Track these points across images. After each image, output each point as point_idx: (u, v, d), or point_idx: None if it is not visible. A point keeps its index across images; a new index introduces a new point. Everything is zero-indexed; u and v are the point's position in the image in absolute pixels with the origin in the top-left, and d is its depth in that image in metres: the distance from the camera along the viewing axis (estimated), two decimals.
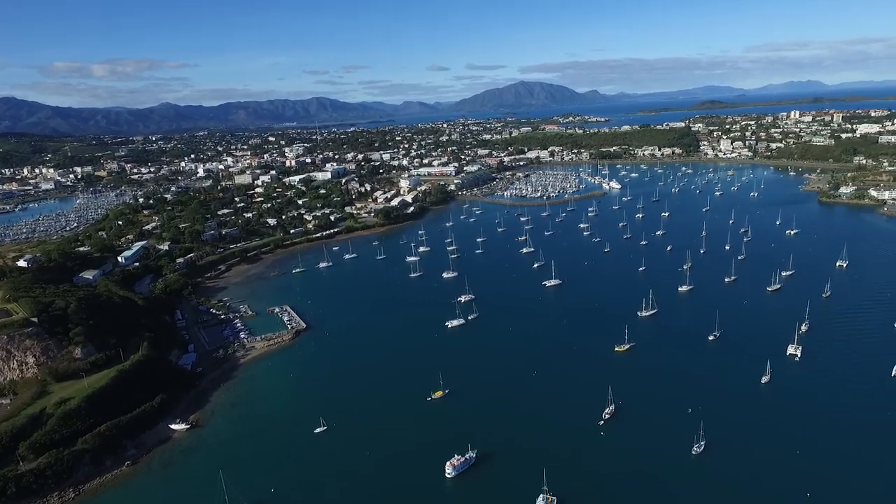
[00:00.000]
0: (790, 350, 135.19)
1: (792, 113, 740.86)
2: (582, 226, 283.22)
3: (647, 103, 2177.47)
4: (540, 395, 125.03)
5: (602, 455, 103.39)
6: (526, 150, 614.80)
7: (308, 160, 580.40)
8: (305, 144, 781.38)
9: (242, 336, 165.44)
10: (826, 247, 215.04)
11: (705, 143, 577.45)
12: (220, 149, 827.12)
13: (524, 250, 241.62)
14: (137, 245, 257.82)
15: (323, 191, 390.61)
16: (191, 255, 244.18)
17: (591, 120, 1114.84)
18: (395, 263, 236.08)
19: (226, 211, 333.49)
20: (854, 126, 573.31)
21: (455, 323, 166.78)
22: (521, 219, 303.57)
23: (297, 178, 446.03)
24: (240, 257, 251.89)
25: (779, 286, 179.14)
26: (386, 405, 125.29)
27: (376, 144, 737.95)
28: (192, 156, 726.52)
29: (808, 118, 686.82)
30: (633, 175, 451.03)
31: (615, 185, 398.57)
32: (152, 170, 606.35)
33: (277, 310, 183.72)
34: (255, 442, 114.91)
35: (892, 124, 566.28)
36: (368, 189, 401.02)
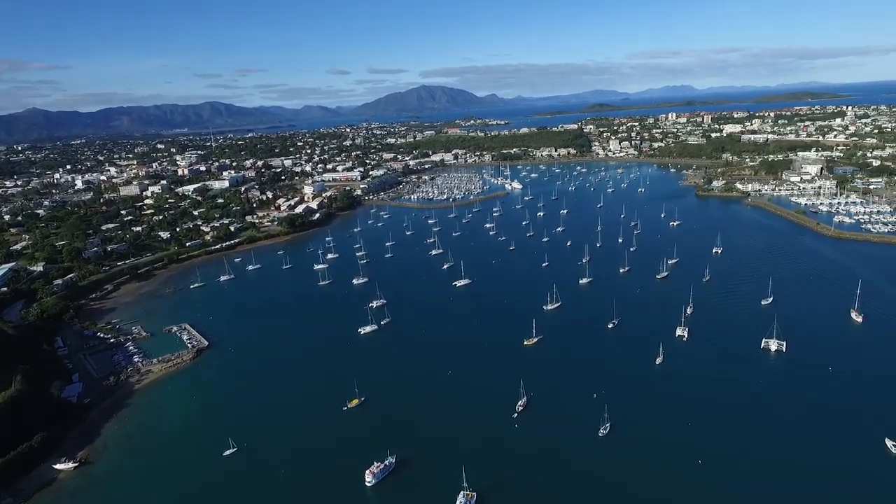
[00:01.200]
0: (679, 332, 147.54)
1: (669, 115, 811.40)
2: (488, 226, 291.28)
3: (543, 106, 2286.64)
4: (455, 393, 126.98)
5: (517, 446, 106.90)
6: (430, 153, 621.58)
7: (203, 168, 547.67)
8: (199, 152, 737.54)
9: (136, 360, 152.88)
10: (704, 236, 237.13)
11: (597, 143, 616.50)
12: (101, 158, 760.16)
13: (433, 252, 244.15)
14: (4, 267, 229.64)
15: (221, 200, 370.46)
16: (71, 275, 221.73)
17: (492, 123, 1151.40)
18: (303, 272, 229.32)
19: (111, 225, 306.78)
20: (721, 126, 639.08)
21: (368, 329, 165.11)
22: (429, 221, 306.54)
23: (191, 187, 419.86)
24: (129, 275, 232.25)
25: (666, 274, 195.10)
26: (300, 419, 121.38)
27: (277, 150, 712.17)
28: (69, 166, 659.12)
29: (683, 119, 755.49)
30: (533, 175, 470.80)
31: (517, 185, 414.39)
32: (19, 183, 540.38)
33: (175, 329, 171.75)
34: (157, 473, 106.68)
35: (751, 125, 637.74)
36: (270, 197, 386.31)
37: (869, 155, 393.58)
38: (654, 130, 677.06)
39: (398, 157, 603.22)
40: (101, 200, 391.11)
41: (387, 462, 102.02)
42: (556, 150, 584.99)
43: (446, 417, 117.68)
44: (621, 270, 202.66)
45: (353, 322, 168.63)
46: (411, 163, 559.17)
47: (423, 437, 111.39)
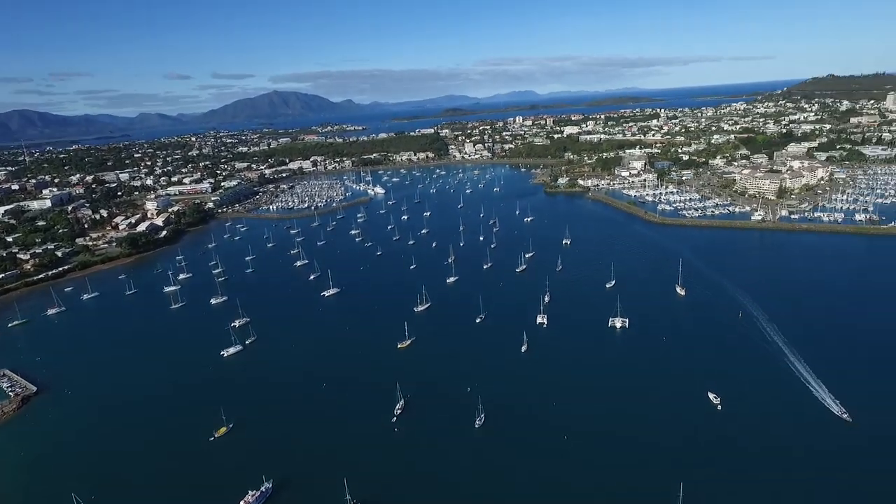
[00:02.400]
0: (539, 319, 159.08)
1: (517, 118, 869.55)
2: (353, 232, 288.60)
3: (399, 111, 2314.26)
4: (332, 406, 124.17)
5: (398, 450, 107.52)
6: (287, 161, 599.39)
7: (15, 187, 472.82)
8: (9, 168, 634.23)
9: None
10: (554, 229, 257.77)
11: (453, 146, 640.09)
12: None
13: (298, 263, 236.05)
14: None
15: (42, 222, 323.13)
16: None
17: (350, 129, 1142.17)
18: (151, 296, 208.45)
19: None
20: (561, 128, 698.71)
21: (231, 351, 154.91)
22: (291, 231, 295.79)
23: (0, 209, 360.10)
24: None
25: (524, 267, 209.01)
26: (160, 457, 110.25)
27: (110, 163, 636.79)
28: None
29: (529, 122, 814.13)
30: (395, 180, 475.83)
31: (379, 190, 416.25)
32: None
33: None
34: None
35: (587, 126, 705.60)
36: (106, 215, 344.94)
37: (680, 151, 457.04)
38: (505, 133, 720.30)
39: (252, 166, 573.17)
40: None
41: (263, 489, 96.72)
42: (415, 155, 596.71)
43: (324, 432, 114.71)
44: (484, 267, 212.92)
45: (215, 345, 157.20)
46: (267, 172, 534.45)
47: (300, 455, 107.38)
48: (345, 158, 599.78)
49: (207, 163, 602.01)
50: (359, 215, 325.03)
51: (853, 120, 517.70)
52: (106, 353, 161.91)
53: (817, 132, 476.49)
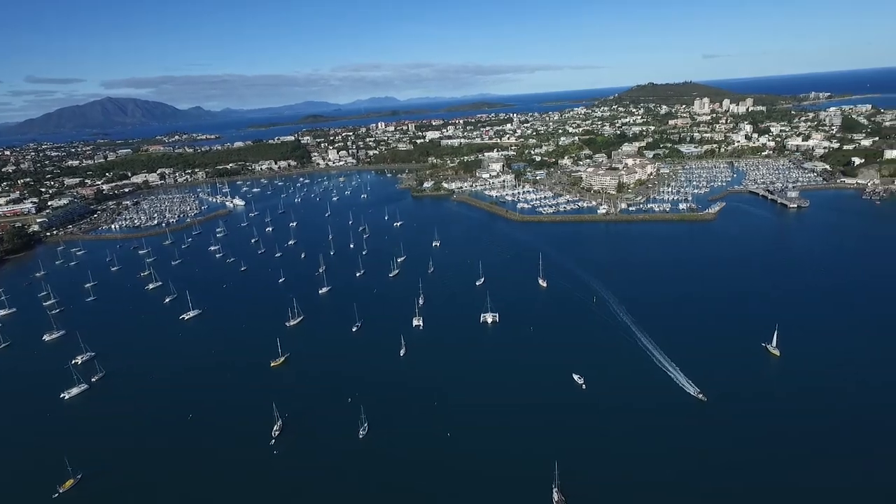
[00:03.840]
0: (415, 322, 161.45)
1: (379, 124, 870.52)
2: (212, 248, 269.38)
3: (256, 118, 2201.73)
4: (200, 438, 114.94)
5: (278, 474, 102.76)
6: (130, 174, 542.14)
7: None
8: None
9: None
10: (423, 232, 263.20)
11: (316, 153, 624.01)
12: None
13: (150, 286, 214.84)
14: None
15: None
16: None
17: (201, 137, 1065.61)
18: None
19: None
20: (423, 133, 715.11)
21: (74, 391, 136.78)
22: (140, 252, 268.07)
23: None
24: None
25: (397, 271, 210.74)
26: None
27: None
28: None
29: (392, 128, 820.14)
30: (256, 190, 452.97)
31: (239, 201, 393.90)
32: None
33: None
34: None
35: (447, 131, 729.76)
36: None
37: (533, 152, 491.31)
38: (368, 139, 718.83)
39: (87, 181, 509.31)
40: None
41: None
42: (276, 163, 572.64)
43: (193, 467, 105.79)
44: (357, 274, 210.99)
45: (52, 387, 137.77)
46: (105, 187, 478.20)
47: (165, 499, 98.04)
48: (197, 170, 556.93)
49: (28, 179, 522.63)
50: (218, 230, 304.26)
51: (671, 122, 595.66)
52: None
53: (644, 133, 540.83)
